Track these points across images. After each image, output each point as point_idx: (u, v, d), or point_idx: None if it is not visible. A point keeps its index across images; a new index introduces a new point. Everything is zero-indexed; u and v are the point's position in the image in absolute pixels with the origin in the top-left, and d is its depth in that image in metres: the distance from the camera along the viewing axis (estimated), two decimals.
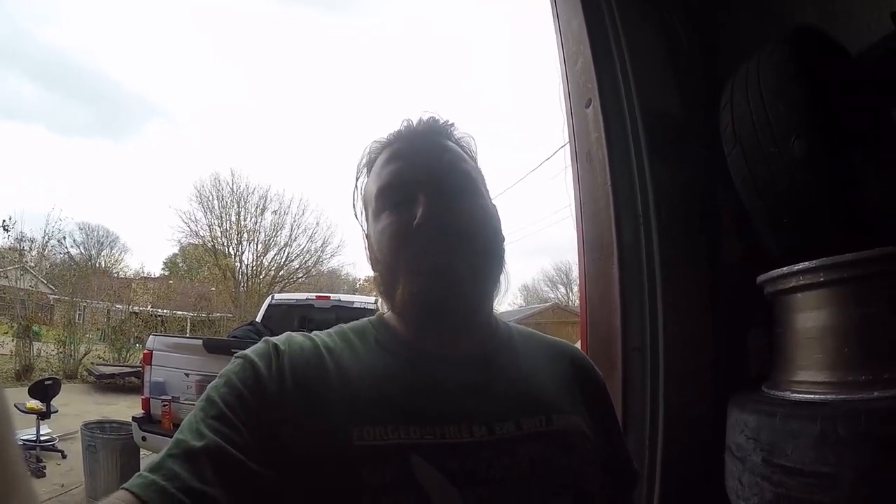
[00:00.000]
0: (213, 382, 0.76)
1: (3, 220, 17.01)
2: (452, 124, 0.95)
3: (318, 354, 0.81)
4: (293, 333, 0.85)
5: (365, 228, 0.95)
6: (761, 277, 1.40)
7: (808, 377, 1.22)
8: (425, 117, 0.93)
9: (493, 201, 0.93)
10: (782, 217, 1.33)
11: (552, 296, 41.73)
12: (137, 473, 0.64)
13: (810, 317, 1.26)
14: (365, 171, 0.95)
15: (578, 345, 1.84)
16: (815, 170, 1.23)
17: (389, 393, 0.77)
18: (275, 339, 0.82)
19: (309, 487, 0.69)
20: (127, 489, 0.61)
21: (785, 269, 1.29)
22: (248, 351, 0.80)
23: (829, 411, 1.08)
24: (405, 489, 0.69)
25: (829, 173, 1.23)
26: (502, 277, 0.89)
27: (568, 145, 1.99)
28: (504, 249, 0.89)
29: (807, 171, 1.24)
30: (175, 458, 0.65)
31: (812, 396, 1.18)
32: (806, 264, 1.23)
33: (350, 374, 0.79)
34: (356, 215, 0.97)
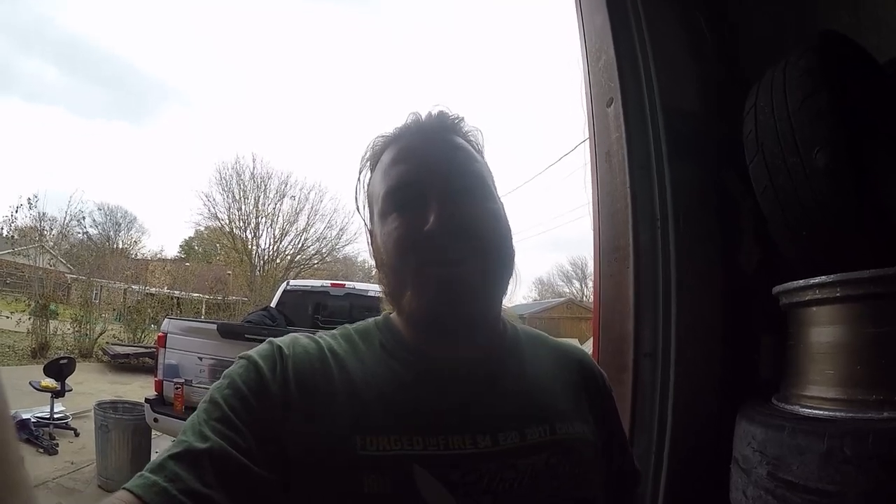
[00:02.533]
0: (216, 383, 0.76)
1: (28, 198, 17.30)
2: (462, 119, 0.91)
3: (322, 358, 0.80)
4: (298, 335, 0.84)
5: (369, 224, 0.93)
6: (777, 288, 1.38)
7: (819, 392, 1.21)
8: (434, 111, 0.89)
9: (501, 200, 0.90)
10: (802, 229, 1.31)
11: (567, 290, 41.83)
12: (139, 474, 0.64)
13: (824, 332, 1.24)
14: (368, 165, 0.93)
15: (591, 343, 1.83)
16: (837, 182, 1.21)
17: (394, 401, 0.77)
18: (279, 340, 0.81)
19: (311, 493, 0.69)
20: (128, 490, 0.61)
21: (801, 281, 1.27)
22: (251, 352, 0.79)
23: (836, 429, 1.07)
24: (407, 500, 0.69)
25: (851, 186, 1.21)
26: (511, 281, 0.87)
27: (588, 143, 1.97)
28: (514, 252, 0.87)
29: (829, 183, 1.22)
30: (177, 459, 0.64)
31: (821, 412, 1.16)
32: (823, 278, 1.21)
33: (355, 381, 0.78)
34: (359, 209, 0.95)
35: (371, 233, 0.92)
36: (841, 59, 1.31)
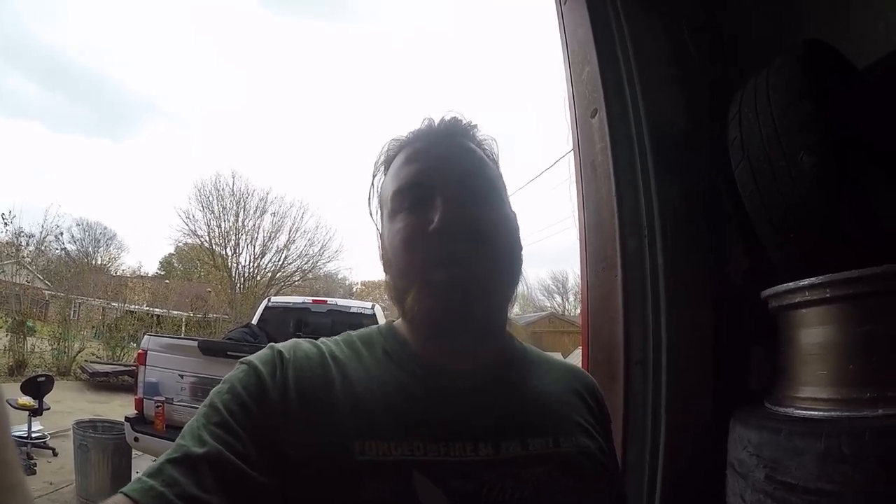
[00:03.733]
0: (216, 388, 0.75)
1: (3, 214, 17.05)
2: (475, 126, 0.92)
3: (323, 364, 0.79)
4: (300, 340, 0.83)
5: (379, 228, 0.93)
6: (766, 292, 1.39)
7: (813, 393, 1.21)
8: (447, 117, 0.90)
9: (513, 208, 0.90)
10: (789, 232, 1.32)
11: (548, 305, 41.80)
12: (136, 478, 0.63)
13: (815, 333, 1.25)
14: (382, 168, 0.93)
15: (579, 353, 1.83)
16: (823, 185, 1.22)
17: (395, 407, 0.75)
18: (280, 345, 0.80)
19: (309, 499, 0.68)
20: (125, 494, 0.60)
21: (790, 284, 1.28)
22: (252, 357, 0.78)
23: (833, 428, 1.07)
24: None
25: (837, 189, 1.22)
26: (517, 289, 0.87)
27: (572, 154, 1.98)
28: (522, 260, 0.86)
29: (815, 187, 1.23)
30: (175, 463, 0.64)
31: (816, 413, 1.17)
32: (812, 280, 1.22)
33: (355, 386, 0.77)
34: (371, 214, 0.95)
35: (381, 237, 0.92)
36: (824, 65, 1.33)
